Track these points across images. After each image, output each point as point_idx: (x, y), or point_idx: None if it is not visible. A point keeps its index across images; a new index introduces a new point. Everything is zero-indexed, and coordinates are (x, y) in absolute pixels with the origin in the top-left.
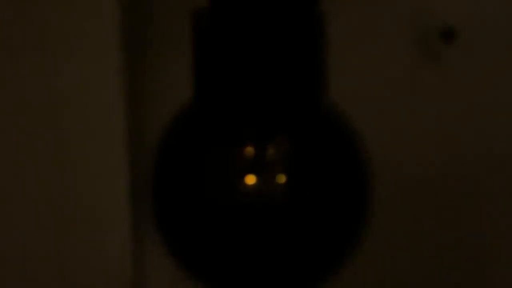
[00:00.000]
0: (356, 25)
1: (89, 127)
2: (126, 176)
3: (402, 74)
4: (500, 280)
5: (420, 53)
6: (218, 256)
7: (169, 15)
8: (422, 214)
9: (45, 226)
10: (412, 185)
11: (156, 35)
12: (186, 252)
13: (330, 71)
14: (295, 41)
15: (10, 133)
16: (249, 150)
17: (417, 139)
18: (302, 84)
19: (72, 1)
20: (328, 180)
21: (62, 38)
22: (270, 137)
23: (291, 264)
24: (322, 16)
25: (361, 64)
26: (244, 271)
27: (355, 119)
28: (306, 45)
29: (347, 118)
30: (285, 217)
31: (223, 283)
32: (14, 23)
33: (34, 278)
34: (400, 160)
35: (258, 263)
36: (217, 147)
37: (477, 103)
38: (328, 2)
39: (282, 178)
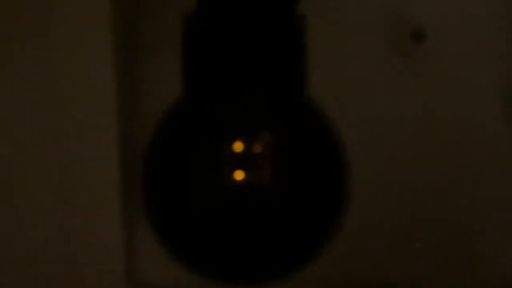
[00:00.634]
0: (332, 26)
1: (80, 124)
2: (117, 172)
3: (376, 72)
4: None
5: (394, 53)
6: (209, 247)
7: (159, 14)
8: (401, 207)
9: (36, 221)
10: (390, 179)
11: (147, 33)
12: (178, 245)
13: (309, 69)
14: (278, 40)
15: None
16: (238, 145)
17: (392, 133)
18: (286, 80)
19: (63, 4)
20: (312, 174)
21: (54, 38)
22: (257, 133)
23: (278, 254)
24: (303, 18)
25: (339, 62)
26: (234, 261)
27: (332, 114)
28: (289, 45)
29: (327, 113)
30: (272, 210)
31: (213, 272)
32: (4, 24)
33: (25, 273)
34: (375, 154)
35: (247, 254)
36: (205, 143)
37: (447, 98)
38: (304, 3)
39: (270, 173)
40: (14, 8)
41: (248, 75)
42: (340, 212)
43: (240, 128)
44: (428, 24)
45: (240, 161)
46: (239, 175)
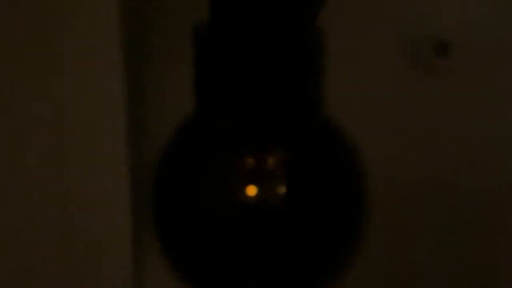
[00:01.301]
0: (352, 39)
1: (90, 136)
2: (127, 186)
3: (397, 86)
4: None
5: (415, 66)
6: (219, 266)
7: (171, 26)
8: (420, 223)
9: (44, 229)
10: (410, 194)
11: (159, 46)
12: (186, 263)
13: (327, 84)
14: (294, 54)
15: (10, 136)
16: (250, 161)
17: (414, 150)
18: (302, 95)
19: (73, 12)
20: (328, 190)
21: (64, 50)
22: (270, 148)
23: (291, 273)
24: (320, 31)
25: (358, 76)
26: (245, 282)
27: (352, 130)
28: (305, 58)
29: (345, 129)
30: (286, 227)
31: None
32: (13, 29)
33: (33, 280)
34: (397, 170)
35: (259, 274)
36: (218, 158)
37: (472, 113)
38: (325, 16)
39: (282, 189)
40: (22, 14)
41: (262, 89)
42: (359, 234)
43: (253, 143)
44: (452, 36)
45: (253, 176)
46: (251, 190)
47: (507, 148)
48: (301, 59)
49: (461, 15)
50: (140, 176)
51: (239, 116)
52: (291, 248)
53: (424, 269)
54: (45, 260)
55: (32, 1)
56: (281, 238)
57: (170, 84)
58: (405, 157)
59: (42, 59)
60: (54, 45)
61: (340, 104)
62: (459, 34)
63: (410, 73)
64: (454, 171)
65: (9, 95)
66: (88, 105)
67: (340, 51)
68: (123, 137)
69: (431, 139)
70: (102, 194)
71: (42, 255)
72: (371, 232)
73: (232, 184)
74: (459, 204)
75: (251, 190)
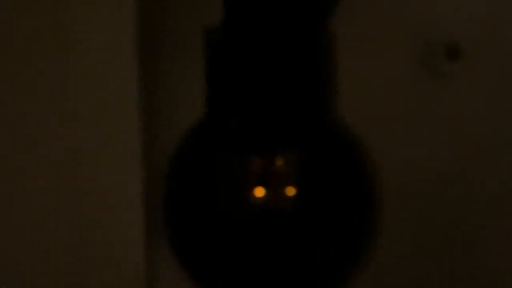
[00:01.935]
0: (363, 42)
1: (104, 138)
2: (140, 186)
3: (408, 90)
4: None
5: (426, 70)
6: (228, 267)
7: (184, 29)
8: (429, 225)
9: (57, 229)
10: (420, 197)
11: (171, 48)
12: (196, 263)
13: (338, 86)
14: (304, 56)
15: (25, 136)
16: (258, 162)
17: (423, 151)
18: (311, 98)
19: (88, 15)
20: (336, 192)
21: (79, 51)
22: (279, 150)
23: (299, 274)
24: (331, 34)
25: (368, 79)
26: (254, 282)
27: (362, 133)
28: (315, 61)
29: (355, 132)
30: (293, 229)
31: None
32: (27, 26)
33: (46, 280)
34: (405, 171)
35: (267, 274)
36: (227, 160)
37: (480, 116)
38: (336, 20)
39: (291, 191)
40: (37, 13)
41: (273, 90)
42: (369, 235)
43: (264, 144)
44: (462, 40)
45: (264, 177)
46: (259, 191)
47: None
48: (312, 61)
49: (472, 20)
50: (152, 177)
51: (250, 117)
52: (301, 248)
53: (430, 269)
54: (59, 259)
55: (48, 3)
56: (291, 239)
57: (182, 86)
58: (414, 158)
59: (56, 60)
60: (69, 46)
61: (350, 106)
62: (469, 39)
63: (420, 76)
64: (463, 173)
65: (24, 94)
66: (102, 106)
67: (350, 54)
68: (137, 138)
69: (440, 141)
70: (116, 195)
71: (56, 255)
72: (381, 232)
73: (243, 185)
74: (469, 205)
75: (261, 191)
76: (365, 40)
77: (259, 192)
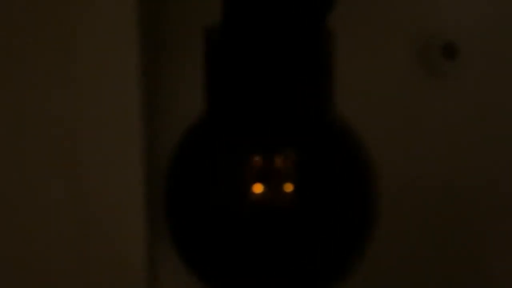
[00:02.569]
0: (360, 41)
1: (105, 138)
2: (141, 185)
3: (405, 88)
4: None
5: (423, 69)
6: (228, 263)
7: (184, 29)
8: (427, 221)
9: (58, 229)
10: (417, 194)
11: (171, 48)
12: (198, 259)
13: (336, 85)
14: (304, 56)
15: (26, 136)
16: (260, 160)
17: (421, 150)
18: (310, 96)
19: (89, 15)
20: (334, 189)
21: (80, 52)
22: (278, 148)
23: (298, 271)
24: (329, 33)
25: (366, 78)
26: (253, 277)
27: (359, 131)
28: (314, 60)
29: (353, 130)
30: (292, 225)
31: None
32: (28, 27)
33: (47, 278)
34: (403, 170)
35: (266, 270)
36: (227, 158)
37: (478, 115)
38: (333, 19)
39: (289, 187)
40: (38, 13)
41: (271, 90)
42: (368, 234)
43: (263, 144)
44: (459, 39)
45: (263, 176)
46: (258, 188)
47: None
48: (311, 60)
49: (469, 18)
50: (153, 176)
51: (249, 117)
52: (300, 247)
53: (427, 268)
54: (59, 258)
55: (48, 2)
56: (290, 237)
57: (183, 85)
58: (413, 157)
59: (57, 61)
60: (69, 45)
61: (348, 105)
62: (466, 38)
63: (418, 75)
64: (460, 172)
65: (25, 94)
66: (103, 105)
67: (348, 53)
68: (138, 137)
69: (438, 140)
70: (117, 194)
71: (56, 253)
72: (379, 231)
73: (242, 184)
74: (465, 205)
75: (260, 190)
76: (362, 39)
77: (258, 188)
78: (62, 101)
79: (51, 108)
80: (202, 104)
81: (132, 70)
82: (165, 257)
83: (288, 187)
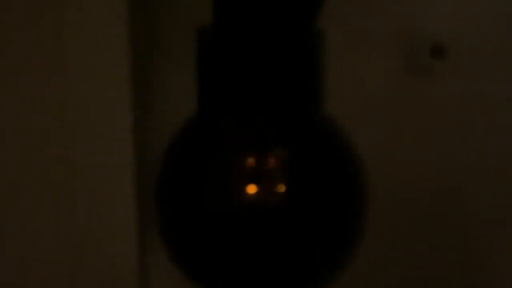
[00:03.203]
0: (350, 41)
1: (97, 136)
2: (132, 185)
3: (394, 88)
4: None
5: (412, 68)
6: (220, 263)
7: (175, 29)
8: (416, 220)
9: (49, 229)
10: (406, 193)
11: (163, 48)
12: (190, 259)
13: (326, 85)
14: (293, 55)
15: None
16: (250, 160)
17: (409, 149)
18: (301, 97)
19: (80, 14)
20: (325, 189)
21: (71, 52)
22: (270, 148)
23: (291, 270)
24: (319, 33)
25: (355, 77)
26: (246, 277)
27: (349, 130)
28: (304, 60)
29: (343, 130)
30: (285, 225)
31: None
32: (19, 26)
33: (40, 277)
34: (392, 168)
35: (259, 270)
36: (219, 157)
37: (466, 114)
38: (323, 19)
39: (282, 188)
40: (29, 13)
41: (262, 89)
42: (357, 232)
43: (254, 143)
44: (448, 39)
45: (254, 175)
46: (251, 189)
47: (502, 147)
48: (300, 60)
49: (457, 18)
50: (144, 175)
51: (240, 116)
52: (291, 245)
53: (421, 267)
54: (51, 256)
55: (41, 3)
56: (281, 236)
57: (174, 86)
58: (401, 156)
59: (48, 60)
60: (62, 45)
61: (337, 104)
62: (454, 37)
63: (406, 74)
64: (450, 169)
65: (17, 93)
66: (95, 105)
67: (338, 52)
68: (129, 136)
69: (426, 139)
70: (108, 193)
71: (48, 251)
72: (368, 230)
73: (233, 183)
74: (458, 204)
75: (252, 189)
76: (351, 39)
77: (251, 189)
78: (53, 102)
79: (43, 107)
80: (194, 104)
81: (124, 70)
82: (157, 263)
83: (278, 186)
